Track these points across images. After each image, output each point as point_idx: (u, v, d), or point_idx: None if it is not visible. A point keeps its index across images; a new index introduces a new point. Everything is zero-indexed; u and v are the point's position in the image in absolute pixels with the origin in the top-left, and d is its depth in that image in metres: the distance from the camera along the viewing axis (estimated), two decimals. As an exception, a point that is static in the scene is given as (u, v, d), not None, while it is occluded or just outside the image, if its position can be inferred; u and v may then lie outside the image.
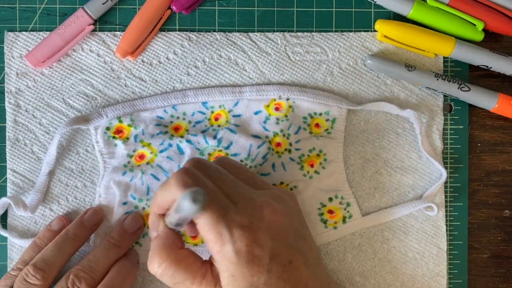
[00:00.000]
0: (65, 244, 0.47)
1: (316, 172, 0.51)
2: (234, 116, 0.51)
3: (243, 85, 0.51)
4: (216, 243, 0.39)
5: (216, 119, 0.51)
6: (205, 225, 0.38)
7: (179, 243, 0.41)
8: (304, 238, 0.43)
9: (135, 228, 0.49)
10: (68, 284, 0.45)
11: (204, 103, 0.50)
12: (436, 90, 0.51)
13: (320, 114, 0.51)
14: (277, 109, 0.51)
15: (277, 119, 0.50)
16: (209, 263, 0.41)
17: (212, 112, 0.51)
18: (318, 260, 0.44)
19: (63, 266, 0.47)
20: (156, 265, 0.40)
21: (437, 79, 0.50)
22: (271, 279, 0.39)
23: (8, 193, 0.50)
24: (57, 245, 0.47)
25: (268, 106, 0.50)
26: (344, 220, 0.51)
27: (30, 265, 0.45)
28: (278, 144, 0.51)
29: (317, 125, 0.51)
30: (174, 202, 0.39)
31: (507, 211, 0.53)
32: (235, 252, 0.38)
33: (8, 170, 0.50)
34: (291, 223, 0.42)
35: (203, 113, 0.51)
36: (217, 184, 0.40)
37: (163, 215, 0.42)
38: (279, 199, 0.42)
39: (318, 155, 0.51)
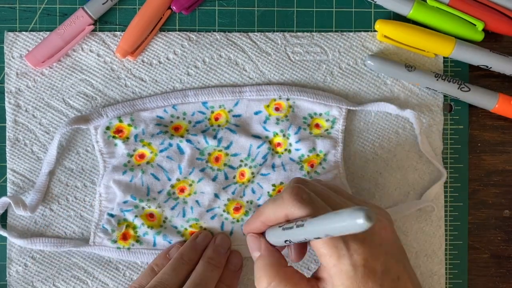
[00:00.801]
0: (181, 268, 0.47)
1: (316, 172, 0.51)
2: (234, 116, 0.51)
3: (243, 85, 0.51)
4: (332, 256, 0.38)
5: (216, 119, 0.51)
6: (321, 240, 0.38)
7: (283, 261, 0.42)
8: (406, 255, 0.43)
9: (227, 248, 0.50)
10: None
11: (204, 103, 0.50)
12: (436, 90, 0.51)
13: (320, 114, 0.51)
14: (277, 109, 0.51)
15: (277, 119, 0.50)
16: (314, 280, 0.41)
17: (212, 112, 0.51)
18: (417, 278, 0.44)
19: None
20: (265, 285, 0.41)
21: (437, 79, 0.50)
22: None
23: (8, 193, 0.50)
24: (174, 269, 0.47)
25: (268, 106, 0.50)
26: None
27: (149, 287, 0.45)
28: (278, 144, 0.51)
29: (317, 125, 0.51)
30: (285, 217, 0.40)
31: (507, 211, 0.53)
32: (352, 265, 0.38)
33: (8, 170, 0.50)
34: (396, 239, 0.42)
35: (203, 113, 0.51)
36: (326, 200, 0.41)
37: (261, 234, 0.43)
38: (384, 215, 0.43)
39: (318, 155, 0.51)
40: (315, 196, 0.40)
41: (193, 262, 0.48)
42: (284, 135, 0.50)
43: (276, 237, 0.41)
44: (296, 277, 0.41)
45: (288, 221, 0.40)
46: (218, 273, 0.48)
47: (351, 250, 0.38)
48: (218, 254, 0.49)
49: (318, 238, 0.37)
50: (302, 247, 0.42)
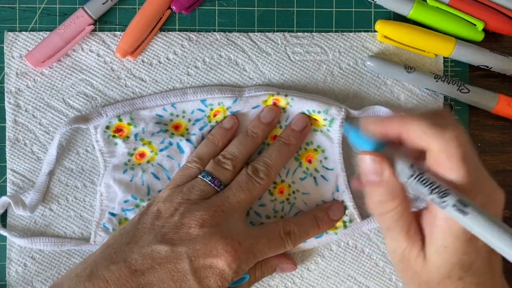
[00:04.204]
0: (247, 141, 0.49)
1: (315, 170, 0.50)
2: (232, 112, 0.50)
3: (244, 86, 0.51)
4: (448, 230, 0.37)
5: (215, 115, 0.51)
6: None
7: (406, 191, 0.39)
8: None
9: (302, 126, 0.50)
10: (249, 172, 0.47)
11: (203, 101, 0.50)
12: (436, 92, 0.51)
13: (319, 112, 0.50)
14: (275, 104, 0.50)
15: None
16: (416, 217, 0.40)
17: (211, 109, 0.50)
18: None
19: (245, 161, 0.49)
20: (390, 208, 0.39)
21: (437, 81, 0.50)
22: (477, 261, 0.38)
23: (8, 193, 0.50)
24: (240, 142, 0.49)
25: (266, 101, 0.50)
26: (344, 225, 0.51)
27: (221, 155, 0.48)
28: (275, 137, 0.50)
29: (315, 119, 0.50)
30: (426, 150, 0.37)
31: (507, 211, 0.53)
32: (461, 227, 0.37)
33: (8, 170, 0.50)
34: None
35: (202, 111, 0.50)
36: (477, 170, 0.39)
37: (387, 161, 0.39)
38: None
39: (315, 150, 0.50)
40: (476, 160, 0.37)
41: (258, 135, 0.50)
42: (281, 127, 0.50)
43: (403, 171, 0.38)
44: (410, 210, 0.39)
45: (418, 158, 0.37)
46: (287, 151, 0.49)
47: None
48: (288, 133, 0.50)
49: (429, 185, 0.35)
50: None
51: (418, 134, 0.37)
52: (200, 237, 0.44)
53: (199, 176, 0.47)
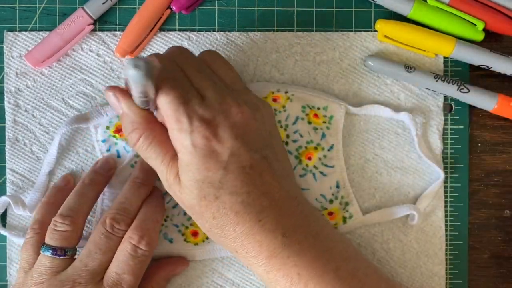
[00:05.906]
0: (85, 190, 0.46)
1: (314, 167, 0.50)
2: None
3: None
4: (174, 129, 0.38)
5: None
6: (165, 107, 0.38)
7: (153, 117, 0.41)
8: (273, 148, 0.42)
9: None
10: (107, 228, 0.43)
11: None
12: (436, 91, 0.51)
13: (318, 108, 0.50)
14: (274, 100, 0.50)
15: (275, 109, 0.50)
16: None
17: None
18: (287, 172, 0.43)
19: (88, 213, 0.46)
20: (135, 140, 0.41)
21: (436, 81, 0.50)
22: (227, 178, 0.38)
23: (7, 193, 0.50)
24: (77, 193, 0.46)
25: (266, 98, 0.50)
26: (344, 221, 0.51)
27: (56, 215, 0.44)
28: None
29: (315, 115, 0.51)
30: None
31: (507, 211, 0.53)
32: (191, 143, 0.38)
33: (7, 170, 0.50)
34: (259, 129, 0.41)
35: None
36: (188, 74, 0.40)
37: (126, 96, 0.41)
38: (252, 105, 0.42)
39: (315, 148, 0.50)
40: (174, 67, 0.40)
41: (96, 183, 0.47)
42: (281, 126, 0.50)
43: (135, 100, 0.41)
44: (164, 136, 0.40)
45: None
46: (144, 191, 0.46)
47: (193, 126, 0.38)
48: (144, 172, 0.47)
49: (144, 102, 0.38)
50: None
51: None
52: None
53: (41, 252, 0.43)
